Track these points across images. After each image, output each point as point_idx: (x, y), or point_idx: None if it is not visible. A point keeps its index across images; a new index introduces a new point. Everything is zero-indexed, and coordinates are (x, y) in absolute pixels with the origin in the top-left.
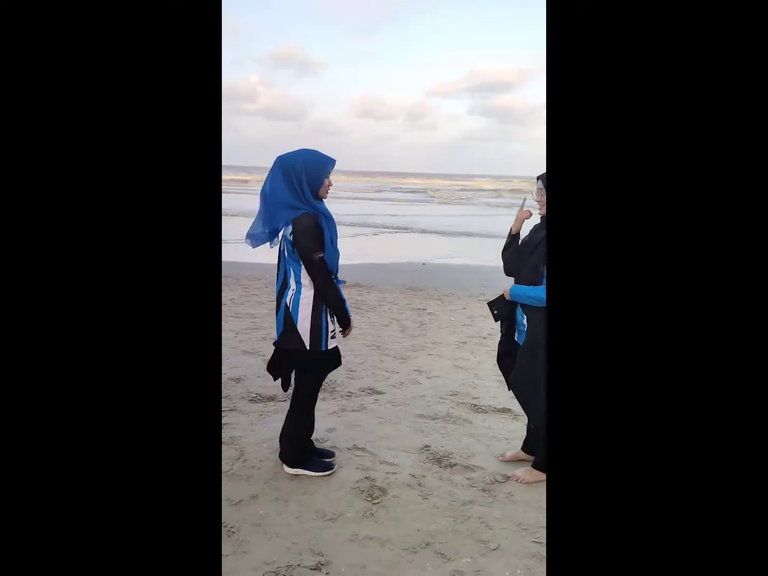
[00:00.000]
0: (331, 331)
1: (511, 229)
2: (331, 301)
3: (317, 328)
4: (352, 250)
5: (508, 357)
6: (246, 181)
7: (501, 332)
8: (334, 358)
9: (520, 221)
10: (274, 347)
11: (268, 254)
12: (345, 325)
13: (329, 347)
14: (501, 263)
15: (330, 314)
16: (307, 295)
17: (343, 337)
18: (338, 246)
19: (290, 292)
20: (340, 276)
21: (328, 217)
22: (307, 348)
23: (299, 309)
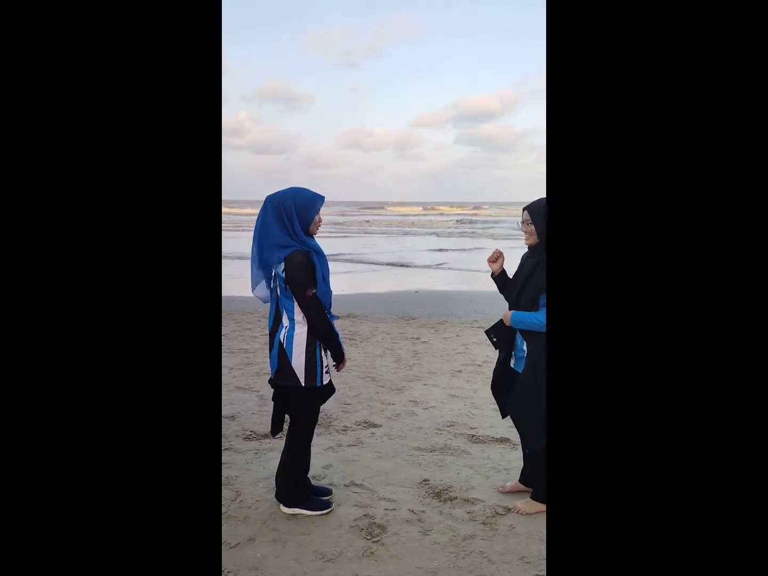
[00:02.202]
0: (326, 366)
1: (492, 273)
2: (324, 336)
3: (312, 364)
4: (346, 285)
5: (503, 382)
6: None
7: (499, 358)
8: (328, 392)
9: (493, 263)
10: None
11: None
12: (339, 359)
13: (324, 382)
14: (493, 287)
15: (324, 349)
16: (301, 331)
17: (337, 371)
18: (331, 282)
19: (284, 329)
20: (333, 308)
21: (320, 253)
22: (302, 384)
23: (293, 345)
